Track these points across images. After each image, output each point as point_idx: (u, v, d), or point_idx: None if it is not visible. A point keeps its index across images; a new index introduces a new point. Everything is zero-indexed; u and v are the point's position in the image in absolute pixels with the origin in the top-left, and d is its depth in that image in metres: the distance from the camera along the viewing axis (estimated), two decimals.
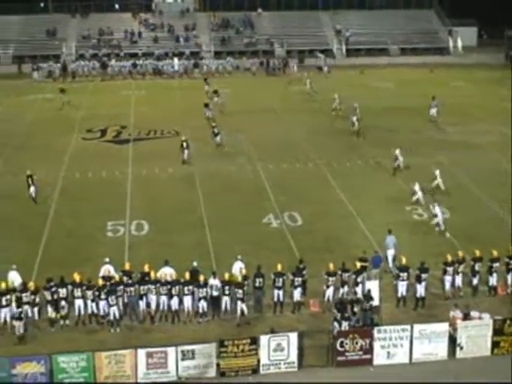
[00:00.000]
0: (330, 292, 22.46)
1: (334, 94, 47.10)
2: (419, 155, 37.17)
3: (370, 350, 19.90)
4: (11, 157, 37.40)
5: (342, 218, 29.58)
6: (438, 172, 32.16)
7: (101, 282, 21.72)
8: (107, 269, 22.83)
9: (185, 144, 36.91)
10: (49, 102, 50.40)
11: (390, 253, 25.06)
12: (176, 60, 64.02)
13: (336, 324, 20.23)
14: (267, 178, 34.43)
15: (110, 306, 21.21)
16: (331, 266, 22.59)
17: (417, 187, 30.78)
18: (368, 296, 21.28)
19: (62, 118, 46.40)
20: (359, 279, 22.41)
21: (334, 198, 31.89)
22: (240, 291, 21.67)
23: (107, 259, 23.17)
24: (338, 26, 72.26)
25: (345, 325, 20.28)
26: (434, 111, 43.68)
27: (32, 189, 31.41)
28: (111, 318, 21.31)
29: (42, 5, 74.93)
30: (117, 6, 74.81)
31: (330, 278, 22.47)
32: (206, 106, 45.32)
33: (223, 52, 68.07)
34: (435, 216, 28.24)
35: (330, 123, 44.25)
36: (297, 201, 31.24)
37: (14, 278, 22.22)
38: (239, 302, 21.70)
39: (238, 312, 21.78)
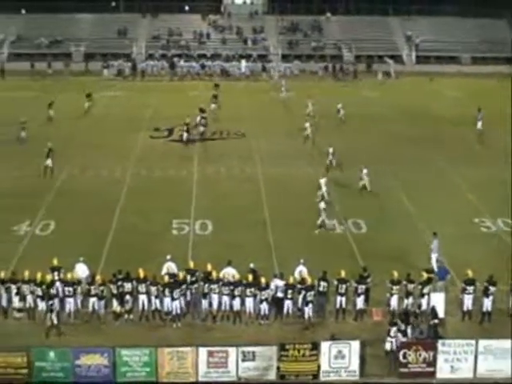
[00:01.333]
0: (394, 301, 22.12)
1: (308, 100, 46.11)
2: (472, 166, 36.67)
3: (433, 362, 19.52)
4: (79, 153, 38.08)
5: (407, 227, 29.09)
6: (365, 171, 31.99)
7: (166, 278, 21.94)
8: (169, 266, 23.03)
9: (185, 127, 40.00)
10: (117, 100, 51.33)
11: (435, 256, 24.77)
12: (243, 62, 64.47)
13: (400, 334, 19.90)
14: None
15: (173, 299, 21.41)
16: (395, 274, 22.27)
17: (322, 181, 30.75)
18: (434, 313, 20.87)
19: (131, 116, 47.14)
20: (425, 290, 22.04)
21: (400, 207, 31.43)
22: (311, 293, 21.58)
23: (169, 256, 23.36)
24: (409, 32, 71.42)
25: (395, 330, 19.85)
26: (479, 124, 43.34)
27: (49, 161, 34.31)
28: (174, 313, 21.52)
29: (113, 4, 76.39)
30: (186, 8, 75.63)
31: (394, 287, 22.13)
32: (201, 111, 43.83)
33: (290, 55, 68.11)
34: (321, 214, 28.50)
35: (403, 130, 43.71)
36: (362, 208, 30.90)
37: (82, 270, 22.62)
38: (310, 305, 21.60)
39: (306, 315, 21.67)
